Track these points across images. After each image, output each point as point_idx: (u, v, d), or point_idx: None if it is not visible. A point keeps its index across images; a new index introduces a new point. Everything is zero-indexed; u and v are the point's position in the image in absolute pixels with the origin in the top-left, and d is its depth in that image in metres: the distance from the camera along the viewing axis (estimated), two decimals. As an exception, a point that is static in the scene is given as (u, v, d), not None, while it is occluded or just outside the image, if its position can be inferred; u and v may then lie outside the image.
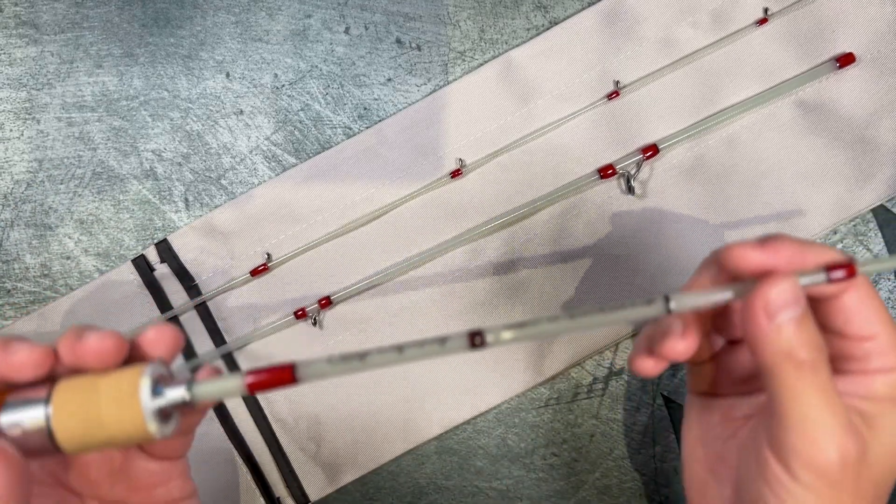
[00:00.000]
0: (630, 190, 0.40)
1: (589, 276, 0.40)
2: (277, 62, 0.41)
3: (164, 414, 0.24)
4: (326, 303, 0.40)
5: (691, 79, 0.40)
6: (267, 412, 0.40)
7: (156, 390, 0.23)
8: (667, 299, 0.24)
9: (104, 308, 0.41)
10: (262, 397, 0.40)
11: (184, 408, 0.24)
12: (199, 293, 0.41)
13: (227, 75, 0.41)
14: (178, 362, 0.40)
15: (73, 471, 0.28)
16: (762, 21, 0.40)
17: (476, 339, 0.23)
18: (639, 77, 0.40)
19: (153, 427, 0.23)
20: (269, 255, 0.40)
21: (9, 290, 0.41)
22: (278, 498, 0.40)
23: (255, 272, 0.40)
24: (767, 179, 0.40)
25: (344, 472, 0.40)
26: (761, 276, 0.24)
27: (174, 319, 0.41)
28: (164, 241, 0.41)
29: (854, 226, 0.40)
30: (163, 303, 0.41)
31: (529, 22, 0.41)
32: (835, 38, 0.40)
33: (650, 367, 0.27)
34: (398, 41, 0.41)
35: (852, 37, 0.40)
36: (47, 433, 0.23)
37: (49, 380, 0.24)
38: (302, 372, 0.23)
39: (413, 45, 0.41)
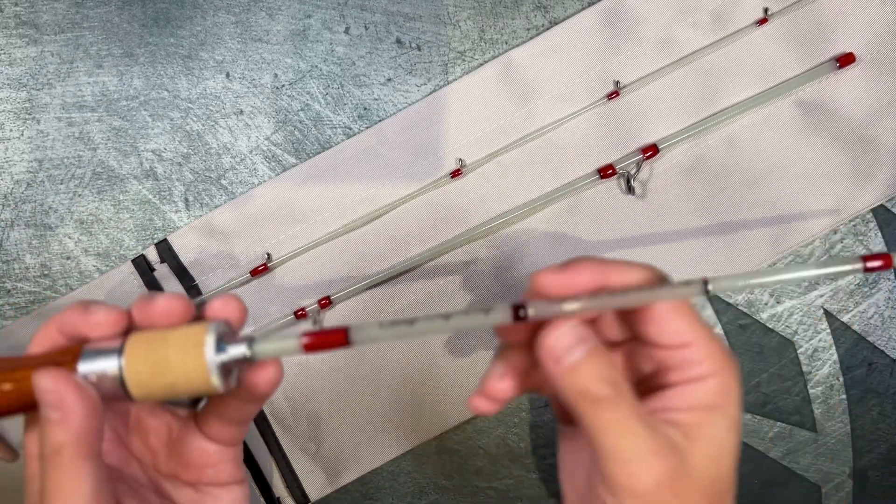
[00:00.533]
0: (630, 190, 0.40)
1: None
2: (277, 62, 0.41)
3: (226, 369, 0.25)
4: (326, 303, 0.40)
5: (691, 79, 0.40)
6: (267, 412, 0.40)
7: (219, 346, 0.25)
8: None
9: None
10: (262, 397, 0.40)
11: (244, 364, 0.25)
12: (199, 293, 0.41)
13: (227, 75, 0.41)
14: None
15: (134, 435, 0.30)
16: (762, 21, 0.40)
17: (520, 312, 0.24)
18: (639, 77, 0.40)
19: (215, 378, 0.24)
20: (269, 255, 0.40)
21: (9, 290, 0.41)
22: (278, 498, 0.40)
23: (255, 272, 0.40)
24: (767, 179, 0.40)
25: (344, 472, 0.40)
26: (542, 323, 0.25)
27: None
28: (164, 241, 0.41)
29: (854, 226, 0.40)
30: (163, 303, 0.41)
31: (529, 22, 0.41)
32: (835, 38, 0.40)
33: (484, 405, 0.28)
34: (398, 41, 0.41)
35: (852, 37, 0.40)
36: (119, 379, 0.25)
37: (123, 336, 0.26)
38: (355, 335, 0.24)
39: (413, 45, 0.41)
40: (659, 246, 0.40)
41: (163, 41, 0.42)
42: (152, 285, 0.41)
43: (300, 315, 0.40)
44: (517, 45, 0.41)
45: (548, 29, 0.41)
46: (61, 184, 0.41)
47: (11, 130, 0.41)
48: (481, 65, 0.41)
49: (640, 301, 0.25)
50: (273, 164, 0.41)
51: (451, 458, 0.41)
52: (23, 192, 0.41)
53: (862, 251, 0.40)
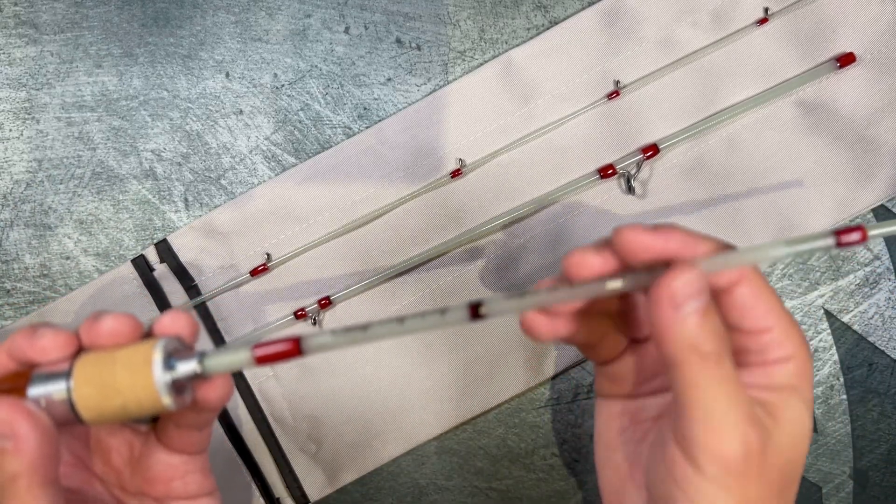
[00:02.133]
0: (630, 190, 0.40)
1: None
2: (277, 62, 0.41)
3: (177, 386, 0.25)
4: (326, 303, 0.40)
5: (691, 79, 0.40)
6: (267, 412, 0.40)
7: (168, 363, 0.24)
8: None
9: (104, 308, 0.41)
10: (261, 397, 0.40)
11: (196, 380, 0.25)
12: (198, 293, 0.41)
13: (227, 75, 0.41)
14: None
15: (96, 456, 0.29)
16: (762, 21, 0.40)
17: (477, 310, 0.24)
18: (639, 77, 0.40)
19: (165, 397, 0.24)
20: (269, 255, 0.40)
21: (8, 291, 0.41)
22: (278, 498, 0.40)
23: (255, 272, 0.40)
24: (767, 179, 0.40)
25: (344, 472, 0.40)
26: (654, 265, 0.24)
27: (174, 319, 0.41)
28: (164, 241, 0.41)
29: (854, 226, 0.40)
30: (162, 303, 0.41)
31: (529, 22, 0.41)
32: (835, 38, 0.40)
33: (542, 323, 0.26)
34: (398, 41, 0.41)
35: (853, 36, 0.40)
36: (69, 402, 0.24)
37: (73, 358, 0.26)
38: (307, 344, 0.24)
39: (413, 44, 0.41)
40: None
41: (162, 41, 0.42)
42: (152, 285, 0.40)
43: (300, 315, 0.40)
44: (517, 45, 0.41)
45: (548, 29, 0.41)
46: (61, 184, 0.41)
47: (11, 130, 0.41)
48: (481, 64, 0.41)
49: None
50: (273, 163, 0.41)
51: (451, 459, 0.41)
52: (22, 192, 0.41)
53: (862, 251, 0.40)
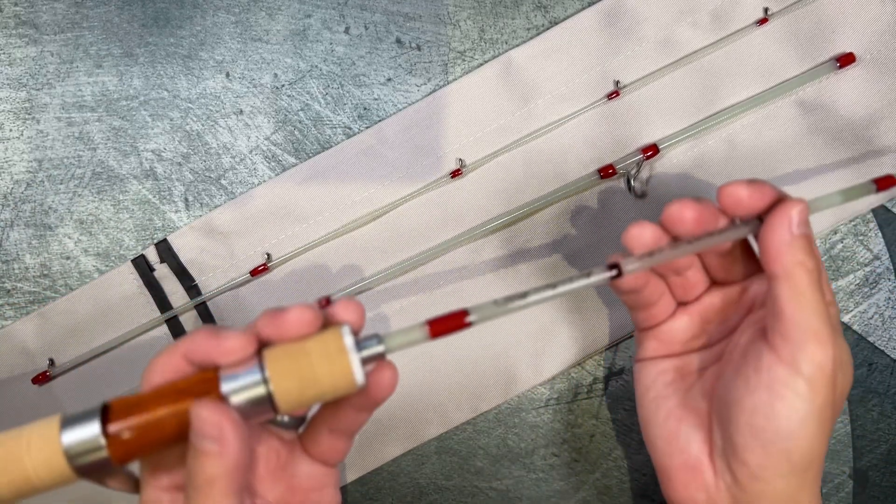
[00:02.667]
0: (630, 190, 0.40)
1: (589, 276, 0.40)
2: (277, 62, 0.41)
3: (362, 365, 0.25)
4: (326, 303, 0.40)
5: (691, 79, 0.40)
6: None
7: (358, 346, 0.25)
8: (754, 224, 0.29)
9: (104, 308, 0.41)
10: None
11: (379, 359, 0.26)
12: (198, 293, 0.41)
13: (227, 75, 0.41)
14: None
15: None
16: (762, 21, 0.40)
17: (616, 269, 0.28)
18: (639, 77, 0.40)
19: (360, 376, 0.25)
20: (269, 255, 0.40)
21: (8, 291, 0.41)
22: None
23: (255, 272, 0.40)
24: (767, 179, 0.40)
25: (344, 472, 0.40)
26: (748, 219, 0.29)
27: (174, 320, 0.41)
28: (164, 241, 0.41)
29: (854, 226, 0.40)
30: (163, 303, 0.41)
31: (529, 22, 0.41)
32: (835, 38, 0.40)
33: (649, 232, 0.29)
34: (398, 41, 0.41)
35: (853, 37, 0.40)
36: (267, 397, 0.25)
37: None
38: (473, 315, 0.26)
39: (413, 44, 0.41)
40: (659, 246, 0.40)
41: (163, 41, 0.42)
42: (152, 285, 0.40)
43: (300, 315, 0.40)
44: (517, 45, 0.41)
45: (548, 29, 0.41)
46: (61, 184, 0.41)
47: (11, 130, 0.41)
48: (481, 64, 0.41)
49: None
50: (273, 164, 0.41)
51: (451, 459, 0.41)
52: (22, 192, 0.41)
53: (862, 251, 0.40)
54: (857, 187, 0.30)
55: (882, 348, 0.40)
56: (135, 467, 0.27)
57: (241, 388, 0.25)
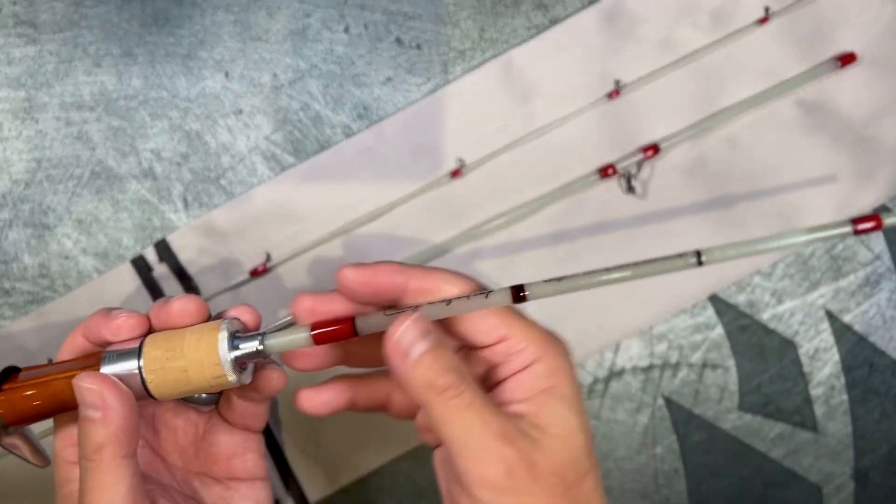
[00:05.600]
0: (630, 189, 0.40)
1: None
2: (277, 61, 0.41)
3: (240, 364, 0.26)
4: (326, 303, 0.40)
5: (692, 78, 0.40)
6: (266, 413, 0.40)
7: (232, 342, 0.26)
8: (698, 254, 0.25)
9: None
10: (261, 398, 0.40)
11: (257, 358, 0.26)
12: (198, 293, 0.40)
13: (227, 75, 0.41)
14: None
15: (161, 437, 0.30)
16: (763, 20, 0.40)
17: (518, 294, 0.25)
18: (639, 76, 0.40)
19: (230, 374, 0.25)
20: (269, 255, 0.40)
21: (7, 290, 0.41)
22: (278, 500, 0.40)
23: (255, 272, 0.40)
24: (768, 179, 0.40)
25: (344, 472, 0.40)
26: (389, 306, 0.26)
27: (173, 320, 0.41)
28: (163, 241, 0.41)
29: (855, 226, 0.40)
30: (162, 303, 0.40)
31: (529, 21, 0.41)
32: (836, 38, 0.40)
33: (314, 400, 0.29)
34: (398, 40, 0.41)
35: (853, 36, 0.39)
36: (139, 379, 0.26)
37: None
38: (360, 325, 0.25)
39: (413, 44, 0.41)
40: (659, 245, 0.40)
41: (162, 40, 0.41)
42: (151, 285, 0.40)
43: (300, 315, 0.40)
44: (517, 45, 0.41)
45: (548, 28, 0.41)
46: (60, 183, 0.41)
47: (10, 130, 0.41)
48: (481, 64, 0.41)
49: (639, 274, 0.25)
50: (272, 163, 0.41)
51: (451, 459, 0.40)
52: (21, 192, 0.41)
53: (863, 250, 0.40)
54: (829, 226, 0.24)
55: (883, 349, 0.40)
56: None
57: (117, 364, 0.26)
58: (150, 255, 0.41)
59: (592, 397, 0.40)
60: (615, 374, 0.40)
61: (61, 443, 0.28)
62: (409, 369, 0.25)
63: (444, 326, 0.27)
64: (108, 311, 0.27)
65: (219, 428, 0.30)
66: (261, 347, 0.26)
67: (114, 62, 0.41)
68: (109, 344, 0.27)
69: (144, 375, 0.26)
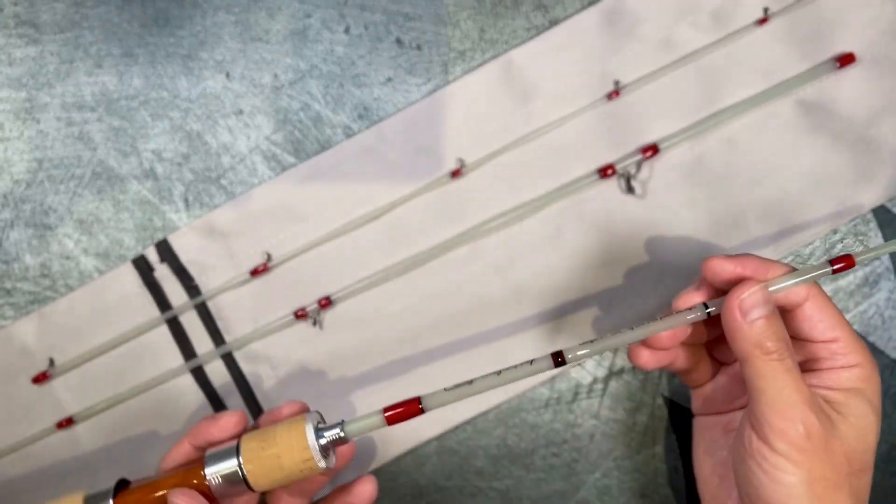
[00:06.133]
0: (630, 190, 0.40)
1: (589, 276, 0.40)
2: (277, 62, 0.41)
3: (325, 450, 0.30)
4: (326, 303, 0.40)
5: (691, 78, 0.40)
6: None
7: (317, 432, 0.29)
8: (706, 305, 0.30)
9: (104, 308, 0.41)
10: (262, 399, 0.40)
11: (339, 444, 0.30)
12: (198, 293, 0.41)
13: (227, 75, 0.41)
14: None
15: None
16: (762, 21, 0.40)
17: (558, 359, 0.29)
18: (639, 77, 0.40)
19: (320, 461, 0.29)
20: (269, 255, 0.40)
21: (8, 290, 0.41)
22: (278, 498, 0.40)
23: (255, 272, 0.40)
24: (768, 179, 0.40)
25: (343, 472, 0.40)
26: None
27: (174, 320, 0.41)
28: (164, 241, 0.41)
29: (854, 226, 0.40)
30: (162, 303, 0.41)
31: (529, 22, 0.41)
32: (835, 38, 0.40)
33: (645, 357, 0.32)
34: (398, 41, 0.41)
35: (853, 36, 0.39)
36: (241, 476, 0.29)
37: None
38: (426, 402, 0.29)
39: (413, 44, 0.41)
40: (659, 246, 0.40)
41: (162, 41, 0.42)
42: (152, 285, 0.41)
43: (300, 315, 0.40)
44: (517, 45, 0.41)
45: (548, 29, 0.41)
46: (61, 184, 0.41)
47: (11, 130, 0.41)
48: (481, 64, 0.41)
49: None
50: (273, 163, 0.41)
51: (451, 459, 0.41)
52: (22, 192, 0.41)
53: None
54: (813, 268, 0.29)
55: (882, 348, 0.40)
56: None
57: (221, 468, 0.30)
58: (152, 255, 0.41)
59: (592, 397, 0.40)
60: (615, 373, 0.40)
61: None
62: (744, 326, 0.28)
63: (784, 314, 0.30)
64: (214, 416, 0.32)
65: (281, 495, 0.34)
66: (342, 434, 0.29)
67: (115, 63, 0.42)
68: (213, 445, 0.31)
69: (243, 467, 0.29)
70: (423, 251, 0.40)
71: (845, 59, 0.39)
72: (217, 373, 0.41)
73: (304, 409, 0.32)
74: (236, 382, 0.41)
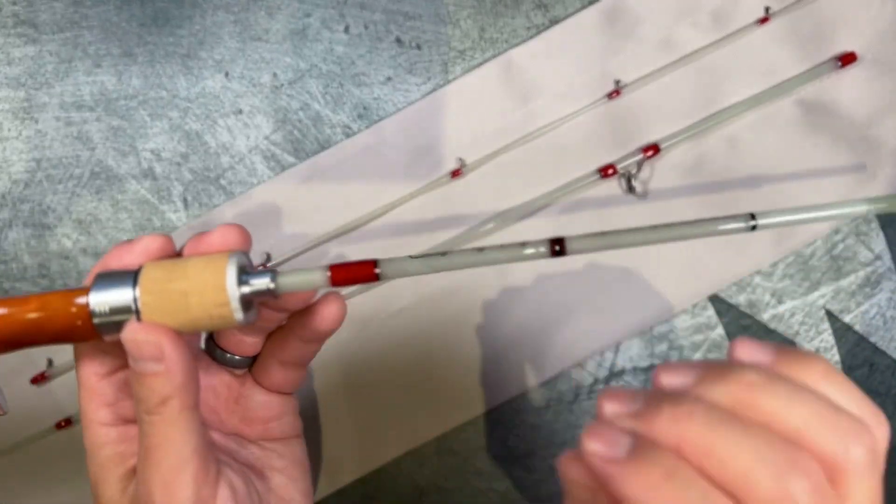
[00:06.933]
0: (631, 189, 0.40)
1: (589, 276, 0.40)
2: (276, 61, 0.41)
3: (247, 301, 0.23)
4: (326, 303, 0.40)
5: (692, 78, 0.40)
6: (266, 413, 0.40)
7: (241, 277, 0.23)
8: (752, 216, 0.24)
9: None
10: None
11: (266, 297, 0.24)
12: (198, 293, 0.40)
13: (226, 75, 0.41)
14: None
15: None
16: (763, 20, 0.40)
17: (556, 247, 0.24)
18: (640, 76, 0.40)
19: (237, 310, 0.23)
20: (268, 255, 0.40)
21: (7, 291, 0.41)
22: (278, 499, 0.40)
23: (255, 272, 0.40)
24: (768, 179, 0.40)
25: (344, 472, 0.40)
26: None
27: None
28: (163, 241, 0.41)
29: (856, 226, 0.40)
30: (162, 303, 0.40)
31: (530, 21, 0.41)
32: (836, 38, 0.40)
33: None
34: (398, 40, 0.41)
35: (854, 36, 0.39)
36: (134, 309, 0.23)
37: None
38: (384, 268, 0.23)
39: (413, 44, 0.41)
40: (659, 246, 0.40)
41: (161, 40, 0.41)
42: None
43: (299, 315, 0.40)
44: (517, 45, 0.41)
45: (548, 28, 0.41)
46: (59, 183, 0.41)
47: (9, 130, 0.41)
48: (481, 64, 0.41)
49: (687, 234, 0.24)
50: (272, 163, 0.41)
51: (451, 459, 0.40)
52: (21, 192, 0.41)
53: (864, 251, 0.40)
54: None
55: (884, 349, 0.40)
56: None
57: (111, 296, 0.23)
58: (150, 255, 0.41)
59: (593, 397, 0.40)
60: (615, 374, 0.40)
61: (93, 405, 0.26)
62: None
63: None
64: (131, 241, 0.25)
65: (254, 391, 0.30)
66: (272, 286, 0.23)
67: (113, 62, 0.41)
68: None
69: (139, 296, 0.23)
70: (422, 251, 0.40)
71: (846, 59, 0.39)
72: (216, 373, 0.41)
73: (243, 243, 0.25)
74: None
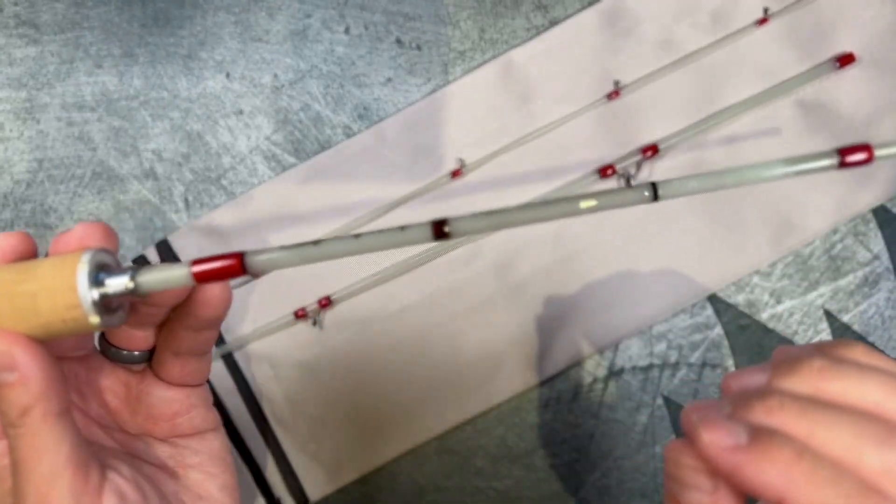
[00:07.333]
0: (630, 190, 0.40)
1: (589, 276, 0.40)
2: (277, 62, 0.41)
3: (107, 304, 0.22)
4: (326, 303, 0.40)
5: (691, 79, 0.40)
6: (267, 412, 0.40)
7: (97, 277, 0.21)
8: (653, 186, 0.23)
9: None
10: (261, 397, 0.40)
11: (131, 297, 0.22)
12: (199, 293, 0.41)
13: (227, 75, 0.41)
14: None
15: (88, 400, 0.27)
16: (762, 21, 0.40)
17: (443, 228, 0.22)
18: (639, 77, 0.40)
19: (91, 313, 0.21)
20: (269, 255, 0.40)
21: (9, 290, 0.41)
22: (278, 498, 0.40)
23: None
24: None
25: (344, 472, 0.40)
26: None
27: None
28: (165, 241, 0.41)
29: (854, 225, 0.40)
30: (163, 303, 0.41)
31: (529, 22, 0.41)
32: (835, 38, 0.40)
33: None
34: (398, 41, 0.41)
35: (853, 36, 0.40)
36: None
37: None
38: (252, 260, 0.21)
39: (413, 44, 0.41)
40: (659, 246, 0.40)
41: (163, 41, 0.42)
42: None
43: (300, 315, 0.40)
44: (517, 45, 0.41)
45: (548, 29, 0.41)
46: (61, 184, 0.41)
47: (11, 130, 0.41)
48: (481, 65, 0.41)
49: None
50: (273, 163, 0.41)
51: (451, 459, 0.41)
52: (23, 192, 0.41)
53: (862, 251, 0.40)
54: (812, 157, 0.23)
55: (882, 348, 0.40)
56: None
57: None
58: (152, 256, 0.41)
59: (592, 397, 0.40)
60: (615, 373, 0.40)
61: None
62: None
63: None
64: None
65: (155, 387, 0.28)
66: (131, 286, 0.21)
67: (115, 63, 0.42)
68: None
69: None
70: (423, 251, 0.40)
71: (845, 59, 0.39)
72: (216, 373, 0.41)
73: (104, 240, 0.23)
74: (236, 382, 0.41)
